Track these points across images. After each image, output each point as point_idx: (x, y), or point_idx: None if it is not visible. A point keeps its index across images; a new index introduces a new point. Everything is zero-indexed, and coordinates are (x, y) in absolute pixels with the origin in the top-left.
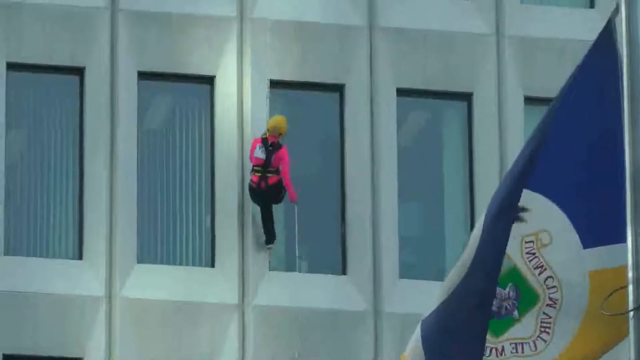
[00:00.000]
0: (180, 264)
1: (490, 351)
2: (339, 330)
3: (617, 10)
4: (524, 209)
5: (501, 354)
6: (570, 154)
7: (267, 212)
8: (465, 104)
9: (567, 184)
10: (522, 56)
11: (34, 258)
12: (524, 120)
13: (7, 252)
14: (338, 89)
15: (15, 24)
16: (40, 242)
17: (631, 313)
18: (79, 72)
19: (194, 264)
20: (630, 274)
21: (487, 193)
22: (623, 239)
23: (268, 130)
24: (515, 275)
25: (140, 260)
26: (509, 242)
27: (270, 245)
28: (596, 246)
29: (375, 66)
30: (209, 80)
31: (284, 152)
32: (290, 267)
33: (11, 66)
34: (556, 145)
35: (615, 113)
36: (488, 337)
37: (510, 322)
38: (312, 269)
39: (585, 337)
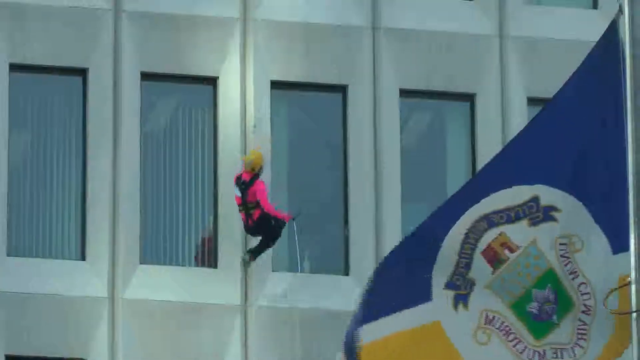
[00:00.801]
0: (183, 265)
1: (534, 354)
2: (342, 331)
3: (620, 10)
4: (555, 209)
5: (543, 358)
6: (594, 155)
7: (265, 245)
8: (468, 105)
9: (592, 185)
10: (525, 57)
11: (37, 259)
12: (528, 120)
13: (10, 253)
14: (341, 90)
15: (19, 24)
16: (43, 243)
17: (634, 314)
18: (82, 73)
19: (196, 265)
20: (633, 275)
21: None
22: None
23: (244, 165)
24: (552, 278)
25: (143, 261)
26: (543, 240)
27: (247, 257)
28: (625, 251)
29: (379, 67)
30: (212, 82)
31: (256, 185)
32: (293, 268)
33: (14, 67)
34: (576, 145)
35: (621, 113)
36: (530, 339)
37: (550, 325)
38: (314, 270)
39: (616, 343)
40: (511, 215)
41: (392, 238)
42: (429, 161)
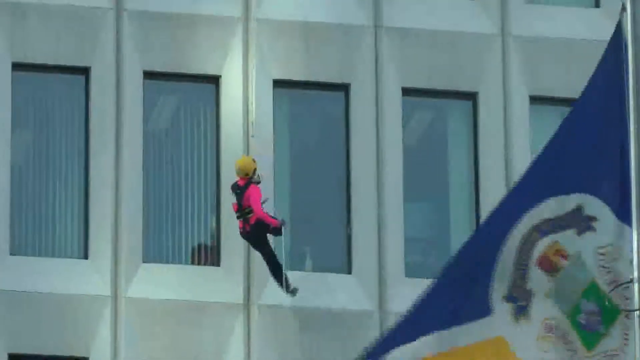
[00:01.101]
0: (186, 264)
1: None
2: (344, 330)
3: (623, 8)
4: (592, 218)
5: None
6: (611, 156)
7: (265, 256)
8: (470, 103)
9: (609, 184)
10: (527, 55)
11: (40, 258)
12: (529, 119)
13: (12, 252)
14: (343, 88)
15: (21, 23)
16: (45, 241)
17: (637, 312)
18: (85, 71)
19: (199, 264)
20: (635, 273)
21: (492, 192)
22: None
23: (236, 172)
24: (594, 289)
25: (146, 259)
26: (584, 249)
27: (289, 288)
28: None
29: (381, 66)
30: (214, 80)
31: (250, 190)
32: (295, 266)
33: (17, 66)
34: (598, 148)
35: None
36: (583, 351)
37: (599, 336)
38: (317, 268)
39: None
40: (562, 224)
41: (395, 237)
42: (431, 160)
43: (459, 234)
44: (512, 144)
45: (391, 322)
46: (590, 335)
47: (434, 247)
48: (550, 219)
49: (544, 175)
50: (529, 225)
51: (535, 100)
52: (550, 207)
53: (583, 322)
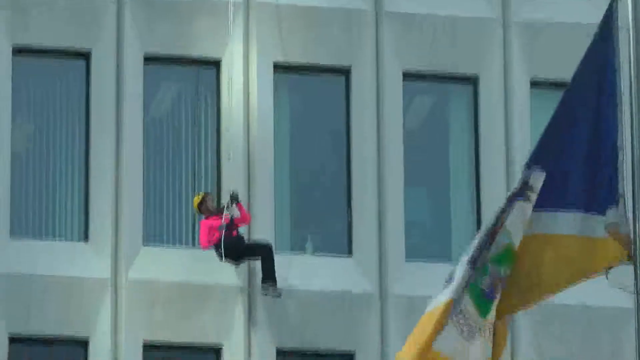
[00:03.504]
0: (187, 246)
1: (482, 332)
2: (345, 312)
3: None
4: (532, 188)
5: (489, 334)
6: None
7: (263, 254)
8: (471, 87)
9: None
10: (528, 40)
11: (40, 241)
12: (530, 103)
13: (13, 235)
14: (344, 72)
15: (21, 8)
16: (46, 224)
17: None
18: (85, 56)
19: (199, 246)
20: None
21: (493, 176)
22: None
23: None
24: (510, 256)
25: (146, 242)
26: (511, 218)
27: (274, 292)
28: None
29: (382, 50)
30: (215, 65)
31: (202, 226)
32: (296, 249)
33: (17, 50)
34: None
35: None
36: (477, 318)
37: (492, 304)
38: (318, 251)
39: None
40: (518, 195)
41: (395, 221)
42: (432, 144)
43: (459, 218)
44: (513, 127)
45: (391, 304)
46: (488, 303)
47: (435, 231)
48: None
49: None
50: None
51: (535, 84)
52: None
53: (486, 289)
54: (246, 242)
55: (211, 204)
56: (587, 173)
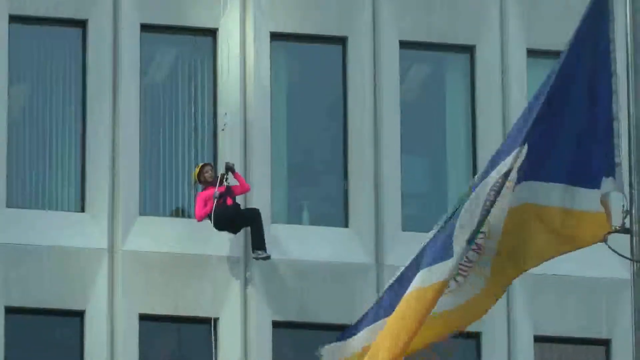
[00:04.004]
0: (183, 217)
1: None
2: (342, 283)
3: None
4: (516, 165)
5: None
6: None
7: (254, 230)
8: (468, 56)
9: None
10: (525, 9)
11: (36, 210)
12: (527, 72)
13: (9, 205)
14: (341, 41)
15: None
16: (42, 194)
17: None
18: (82, 24)
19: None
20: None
21: (490, 146)
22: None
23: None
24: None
25: (143, 212)
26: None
27: (262, 255)
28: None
29: (378, 19)
30: (212, 33)
31: (197, 199)
32: (292, 219)
33: (14, 19)
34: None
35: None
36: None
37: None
38: (314, 222)
39: (492, 288)
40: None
41: (392, 191)
42: (429, 113)
43: (456, 188)
44: (510, 97)
45: (388, 275)
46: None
47: (431, 201)
48: (511, 169)
49: (522, 127)
50: (500, 173)
51: (532, 53)
52: (514, 156)
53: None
54: (239, 211)
55: (209, 175)
56: (581, 146)
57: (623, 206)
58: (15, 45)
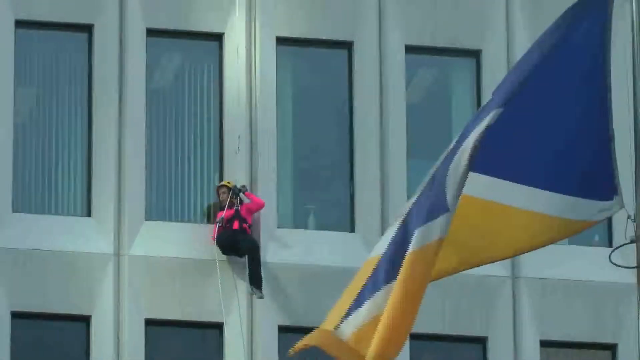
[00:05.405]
0: (189, 221)
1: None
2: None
3: None
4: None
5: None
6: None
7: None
8: (473, 61)
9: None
10: (531, 13)
11: (43, 215)
12: None
13: (15, 210)
14: (347, 46)
15: None
16: (48, 199)
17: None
18: (88, 29)
19: (202, 222)
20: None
21: None
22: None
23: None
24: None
25: (149, 217)
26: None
27: (257, 294)
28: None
29: (384, 23)
30: (218, 38)
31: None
32: (298, 224)
33: (20, 24)
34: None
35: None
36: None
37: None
38: (320, 227)
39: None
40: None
41: (398, 194)
42: (435, 117)
43: None
44: None
45: None
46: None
47: None
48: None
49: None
50: (476, 135)
51: None
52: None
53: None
54: (241, 238)
55: (223, 197)
56: (575, 157)
57: (628, 217)
58: (21, 50)
